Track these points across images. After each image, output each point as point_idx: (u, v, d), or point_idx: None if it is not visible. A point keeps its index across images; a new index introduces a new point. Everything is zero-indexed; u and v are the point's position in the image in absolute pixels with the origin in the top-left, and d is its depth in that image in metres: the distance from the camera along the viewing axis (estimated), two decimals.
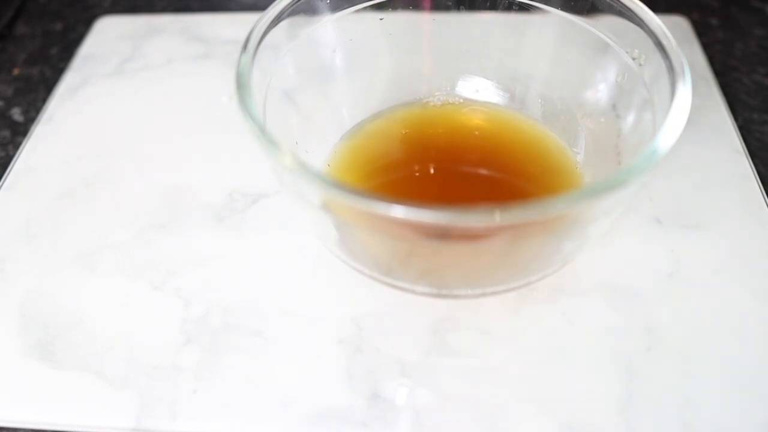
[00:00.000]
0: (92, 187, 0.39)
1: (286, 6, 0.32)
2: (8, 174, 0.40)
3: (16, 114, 0.45)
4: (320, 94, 0.36)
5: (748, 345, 0.30)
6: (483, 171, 0.36)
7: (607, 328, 0.31)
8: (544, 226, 0.26)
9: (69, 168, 0.40)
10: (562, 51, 0.36)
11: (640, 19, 0.30)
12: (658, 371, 0.29)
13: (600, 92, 0.34)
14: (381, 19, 0.36)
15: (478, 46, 0.38)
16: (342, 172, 0.35)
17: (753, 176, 0.37)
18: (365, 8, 0.35)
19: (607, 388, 0.29)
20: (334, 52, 0.36)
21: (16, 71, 0.49)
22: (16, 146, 0.43)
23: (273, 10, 0.31)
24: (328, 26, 0.35)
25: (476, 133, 0.38)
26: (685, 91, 0.27)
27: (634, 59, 0.31)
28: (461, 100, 0.39)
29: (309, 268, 0.34)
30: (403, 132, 0.38)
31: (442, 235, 0.26)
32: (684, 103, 0.26)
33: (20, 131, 0.44)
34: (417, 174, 0.36)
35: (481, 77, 0.39)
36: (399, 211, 0.23)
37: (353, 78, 0.37)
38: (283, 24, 0.32)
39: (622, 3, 0.31)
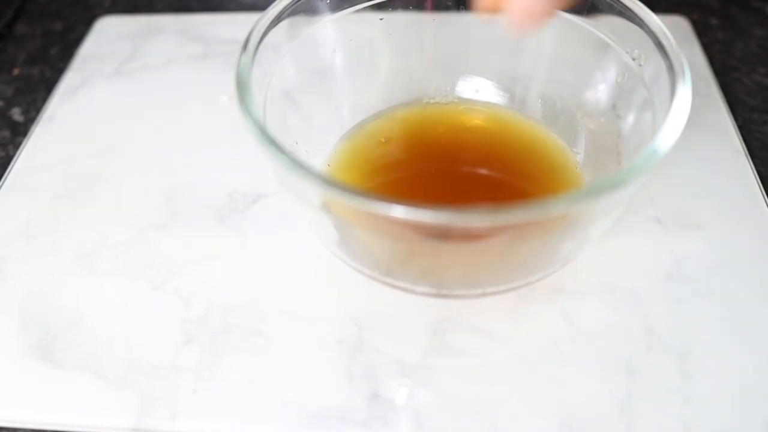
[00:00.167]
0: (92, 187, 0.39)
1: (286, 6, 0.32)
2: (8, 174, 0.40)
3: (16, 114, 0.45)
4: (320, 94, 0.36)
5: (747, 345, 0.30)
6: (483, 171, 0.36)
7: (607, 328, 0.31)
8: (544, 226, 0.26)
9: (69, 168, 0.40)
10: (562, 51, 0.36)
11: (640, 19, 0.30)
12: (658, 371, 0.29)
13: (600, 92, 0.34)
14: (381, 19, 0.36)
15: (478, 46, 0.38)
16: (342, 172, 0.35)
17: (753, 176, 0.37)
18: (365, 8, 0.35)
19: (607, 388, 0.29)
20: (334, 52, 0.36)
21: (16, 71, 0.49)
22: (16, 146, 0.43)
23: (273, 10, 0.31)
24: (328, 26, 0.35)
25: (476, 133, 0.38)
26: (685, 91, 0.27)
27: (634, 59, 0.31)
28: (461, 100, 0.39)
29: (309, 268, 0.34)
30: (403, 132, 0.38)
31: (442, 235, 0.26)
32: (684, 103, 0.26)
33: (20, 131, 0.44)
34: (417, 174, 0.36)
35: (481, 77, 0.39)
36: (399, 211, 0.23)
37: (353, 78, 0.37)
38: (283, 24, 0.32)
39: (622, 3, 0.31)
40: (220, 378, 0.30)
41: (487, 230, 0.25)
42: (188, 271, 0.34)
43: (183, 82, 0.45)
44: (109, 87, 0.45)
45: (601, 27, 0.33)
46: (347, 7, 0.34)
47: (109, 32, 0.50)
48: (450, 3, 0.37)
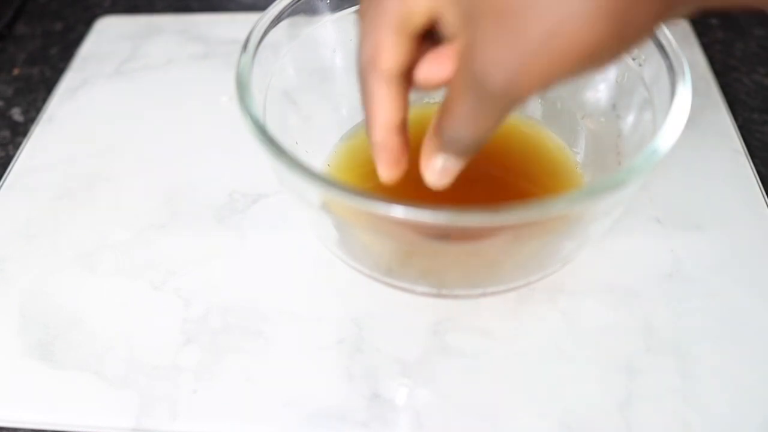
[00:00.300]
0: (92, 187, 0.39)
1: (286, 6, 0.32)
2: (8, 174, 0.40)
3: (16, 114, 0.45)
4: (320, 94, 0.36)
5: (747, 345, 0.30)
6: (483, 171, 0.36)
7: (607, 328, 0.31)
8: (544, 226, 0.25)
9: (69, 168, 0.40)
10: None
11: None
12: (658, 371, 0.29)
13: (600, 92, 0.34)
14: None
15: None
16: (342, 172, 0.35)
17: (753, 176, 0.37)
18: None
19: (607, 388, 0.29)
20: (334, 52, 0.36)
21: (16, 71, 0.49)
22: (16, 146, 0.43)
23: (273, 10, 0.31)
24: (328, 26, 0.35)
25: None
26: (685, 91, 0.27)
27: (634, 59, 0.31)
28: None
29: (309, 268, 0.34)
30: None
31: (442, 235, 0.26)
32: (684, 103, 0.26)
33: (20, 131, 0.44)
34: (417, 174, 0.36)
35: None
36: (399, 211, 0.23)
37: (353, 78, 0.37)
38: (283, 24, 0.32)
39: None
40: (220, 378, 0.30)
41: (487, 230, 0.25)
42: (188, 271, 0.34)
43: (183, 82, 0.45)
44: (109, 87, 0.45)
45: None
46: (347, 7, 0.34)
47: (109, 32, 0.50)
48: None
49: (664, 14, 0.19)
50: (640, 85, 0.31)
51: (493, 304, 0.32)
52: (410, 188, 0.36)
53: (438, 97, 0.39)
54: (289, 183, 0.28)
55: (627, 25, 0.18)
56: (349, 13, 0.35)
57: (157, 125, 0.42)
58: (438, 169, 0.24)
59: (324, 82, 0.37)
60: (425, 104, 0.39)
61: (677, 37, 0.29)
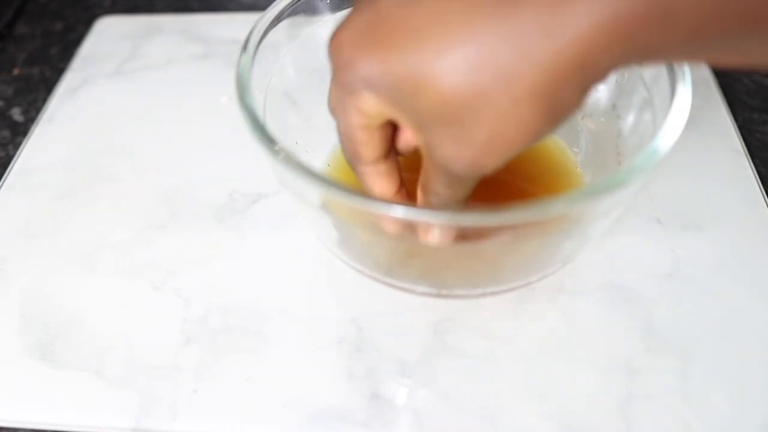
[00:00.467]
0: (92, 187, 0.39)
1: (286, 6, 0.32)
2: (8, 174, 0.40)
3: (16, 114, 0.45)
4: (320, 94, 0.36)
5: (747, 345, 0.30)
6: None
7: (607, 328, 0.31)
8: (544, 226, 0.26)
9: (69, 168, 0.40)
10: None
11: None
12: (658, 371, 0.29)
13: (600, 92, 0.34)
14: None
15: None
16: (342, 172, 0.35)
17: (753, 176, 0.37)
18: None
19: (607, 388, 0.29)
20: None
21: (16, 71, 0.49)
22: (16, 146, 0.43)
23: (273, 10, 0.31)
24: (328, 26, 0.35)
25: None
26: (685, 91, 0.27)
27: None
28: None
29: (309, 268, 0.34)
30: None
31: (441, 236, 0.26)
32: (684, 103, 0.26)
33: (20, 131, 0.44)
34: (417, 175, 0.36)
35: None
36: (399, 211, 0.23)
37: None
38: (283, 24, 0.32)
39: None
40: (220, 378, 0.30)
41: (487, 230, 0.25)
42: (188, 271, 0.34)
43: (183, 82, 0.45)
44: (109, 87, 0.45)
45: None
46: (347, 7, 0.34)
47: (109, 32, 0.50)
48: None
49: (589, 86, 0.21)
50: (640, 85, 0.31)
51: (493, 304, 0.32)
52: (410, 189, 0.35)
53: None
54: (289, 183, 0.28)
55: (557, 109, 0.21)
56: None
57: (157, 125, 0.42)
58: (437, 234, 0.26)
59: (324, 82, 0.36)
60: None
61: None
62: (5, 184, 0.39)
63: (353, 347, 0.31)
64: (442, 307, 0.32)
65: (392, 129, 0.25)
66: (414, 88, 0.21)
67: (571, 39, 0.19)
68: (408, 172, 0.27)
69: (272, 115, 0.31)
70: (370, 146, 0.25)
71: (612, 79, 0.33)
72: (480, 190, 0.34)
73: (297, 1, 0.32)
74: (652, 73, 0.30)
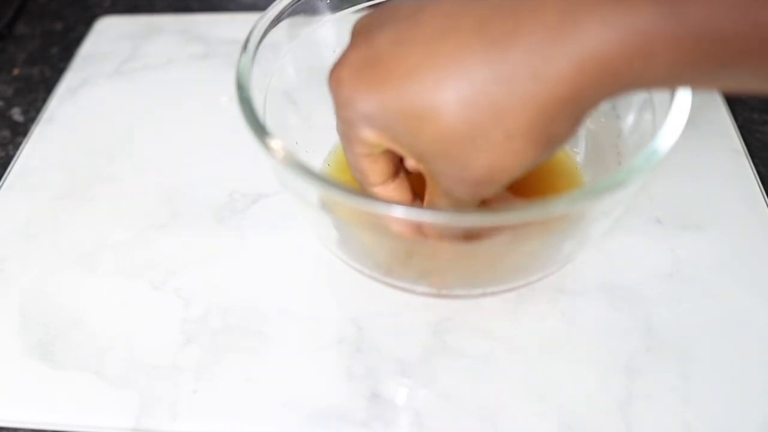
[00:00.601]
0: (92, 187, 0.39)
1: (286, 6, 0.32)
2: (8, 174, 0.40)
3: (16, 114, 0.45)
4: (320, 94, 0.36)
5: (747, 345, 0.30)
6: None
7: (607, 328, 0.31)
8: (544, 226, 0.26)
9: (69, 168, 0.40)
10: None
11: None
12: (658, 371, 0.29)
13: None
14: None
15: None
16: (342, 172, 0.35)
17: (753, 176, 0.37)
18: (365, 8, 0.35)
19: (607, 388, 0.29)
20: (334, 52, 0.36)
21: (16, 71, 0.49)
22: (16, 146, 0.43)
23: (273, 10, 0.31)
24: (328, 26, 0.35)
25: None
26: (685, 91, 0.27)
27: None
28: None
29: (309, 268, 0.34)
30: None
31: (443, 235, 0.26)
32: (684, 103, 0.26)
33: (20, 131, 0.44)
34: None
35: None
36: (399, 212, 0.23)
37: None
38: (283, 24, 0.32)
39: None
40: (220, 378, 0.30)
41: (487, 230, 0.25)
42: (188, 271, 0.34)
43: (183, 82, 0.45)
44: (109, 87, 0.45)
45: None
46: (347, 7, 0.34)
47: (109, 32, 0.50)
48: None
49: (581, 117, 0.22)
50: None
51: (493, 304, 0.32)
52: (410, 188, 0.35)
53: None
54: (289, 183, 0.28)
55: (550, 140, 0.22)
56: (349, 13, 0.35)
57: (157, 125, 0.42)
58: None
59: (324, 82, 0.36)
60: None
61: None
62: (5, 184, 0.39)
63: (353, 347, 0.31)
64: (442, 307, 0.32)
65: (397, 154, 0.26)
66: (412, 124, 0.22)
67: (560, 80, 0.20)
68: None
69: (272, 115, 0.31)
70: (375, 172, 0.26)
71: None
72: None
73: (297, 1, 0.32)
74: None
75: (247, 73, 0.28)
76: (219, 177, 0.39)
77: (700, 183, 0.37)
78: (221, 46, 0.48)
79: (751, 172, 0.37)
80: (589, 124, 0.35)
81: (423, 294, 0.31)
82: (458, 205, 0.24)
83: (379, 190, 0.27)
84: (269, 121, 0.29)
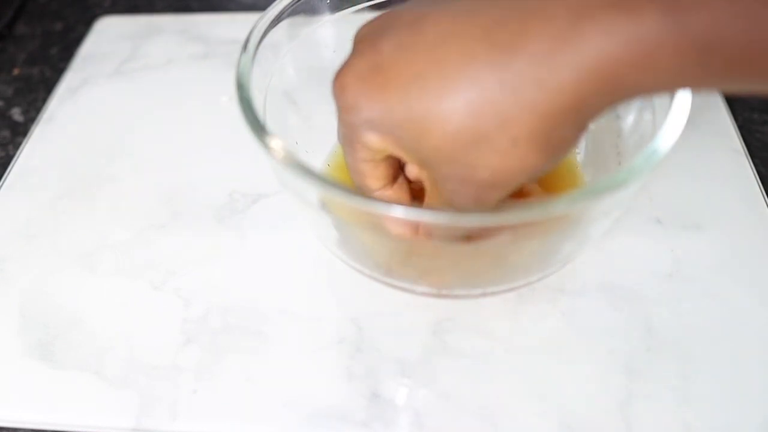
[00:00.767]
0: (92, 187, 0.39)
1: (286, 6, 0.32)
2: (8, 174, 0.40)
3: (16, 114, 0.45)
4: (320, 94, 0.36)
5: (747, 345, 0.30)
6: None
7: (607, 328, 0.31)
8: (544, 226, 0.26)
9: (69, 168, 0.40)
10: None
11: None
12: (658, 371, 0.29)
13: None
14: None
15: None
16: (342, 172, 0.35)
17: (753, 176, 0.37)
18: (365, 8, 0.35)
19: (607, 388, 0.29)
20: (334, 52, 0.36)
21: (16, 71, 0.49)
22: (16, 146, 0.43)
23: (273, 10, 0.31)
24: (328, 26, 0.35)
25: None
26: (685, 92, 0.27)
27: None
28: None
29: (309, 268, 0.34)
30: None
31: (444, 236, 0.26)
32: (684, 103, 0.26)
33: (20, 131, 0.44)
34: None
35: None
36: (399, 212, 0.23)
37: None
38: (283, 24, 0.32)
39: None
40: (220, 378, 0.30)
41: (487, 230, 0.25)
42: (188, 271, 0.34)
43: (183, 82, 0.45)
44: (109, 87, 0.45)
45: None
46: (347, 7, 0.34)
47: (109, 32, 0.50)
48: None
49: (585, 124, 0.22)
50: None
51: (493, 304, 0.32)
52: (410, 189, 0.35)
53: None
54: (289, 183, 0.28)
55: (555, 147, 0.22)
56: (349, 13, 0.35)
57: (157, 125, 0.42)
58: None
59: (324, 82, 0.36)
60: None
61: None
62: (5, 184, 0.39)
63: (353, 347, 0.31)
64: (442, 307, 0.32)
65: (398, 159, 0.26)
66: (417, 130, 0.22)
67: (564, 88, 0.20)
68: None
69: (272, 115, 0.31)
70: (375, 177, 0.26)
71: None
72: None
73: (297, 1, 0.32)
74: None
75: (247, 73, 0.28)
76: (219, 177, 0.39)
77: (700, 183, 0.37)
78: (221, 46, 0.48)
79: (751, 172, 0.37)
80: (590, 124, 0.35)
81: (423, 294, 0.31)
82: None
83: (379, 195, 0.27)
84: (269, 121, 0.29)
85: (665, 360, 0.30)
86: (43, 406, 0.30)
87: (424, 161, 0.23)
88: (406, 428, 0.28)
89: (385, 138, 0.23)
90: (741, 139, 0.39)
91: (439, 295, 0.31)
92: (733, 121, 0.40)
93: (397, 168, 0.27)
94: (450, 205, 0.24)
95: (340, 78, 0.24)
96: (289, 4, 0.32)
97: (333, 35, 0.35)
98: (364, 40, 0.24)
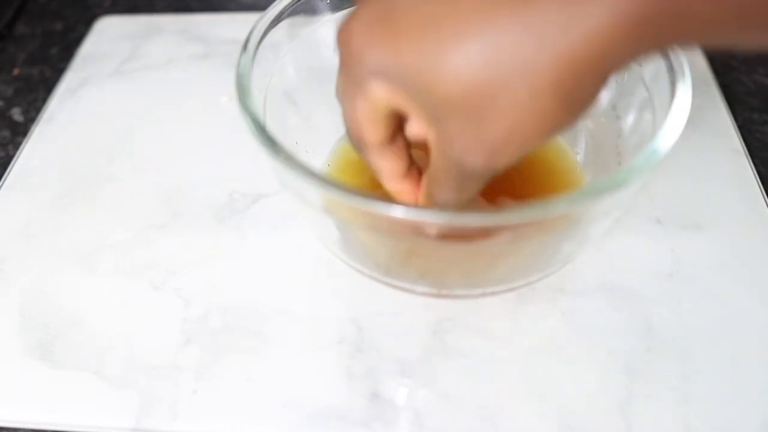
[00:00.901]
0: (92, 187, 0.39)
1: (286, 6, 0.32)
2: (8, 174, 0.40)
3: (16, 114, 0.45)
4: (320, 94, 0.36)
5: (747, 345, 0.30)
6: None
7: (607, 328, 0.31)
8: (544, 227, 0.26)
9: (69, 168, 0.40)
10: None
11: None
12: (658, 371, 0.29)
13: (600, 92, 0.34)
14: None
15: None
16: (342, 172, 0.35)
17: (753, 176, 0.37)
18: None
19: (607, 388, 0.29)
20: (334, 52, 0.36)
21: (16, 71, 0.49)
22: (16, 146, 0.43)
23: (273, 10, 0.31)
24: (328, 26, 0.35)
25: None
26: (685, 91, 0.27)
27: None
28: None
29: (309, 268, 0.34)
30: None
31: (443, 235, 0.26)
32: (684, 103, 0.26)
33: (20, 131, 0.44)
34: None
35: None
36: (399, 212, 0.23)
37: None
38: (283, 24, 0.32)
39: None
40: (220, 378, 0.30)
41: (487, 230, 0.25)
42: (188, 271, 0.34)
43: (183, 82, 0.45)
44: (109, 87, 0.45)
45: None
46: (347, 7, 0.34)
47: (109, 32, 0.50)
48: None
49: (608, 77, 0.21)
50: (640, 85, 0.31)
51: (493, 304, 0.32)
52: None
53: None
54: (290, 183, 0.28)
55: (576, 101, 0.20)
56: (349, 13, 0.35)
57: (157, 125, 0.42)
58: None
59: (324, 82, 0.36)
60: None
61: None
62: (5, 184, 0.39)
63: (353, 347, 0.31)
64: (442, 307, 0.32)
65: (399, 118, 0.24)
66: (429, 78, 0.20)
67: (592, 33, 0.18)
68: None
69: (272, 115, 0.31)
70: (374, 130, 0.24)
71: (612, 79, 0.33)
72: (480, 190, 0.34)
73: (297, 1, 0.32)
74: (652, 73, 0.30)
75: (247, 73, 0.28)
76: (219, 177, 0.39)
77: (700, 183, 0.37)
78: (221, 46, 0.48)
79: (751, 172, 0.37)
80: (589, 124, 0.35)
81: (423, 294, 0.31)
82: (461, 185, 0.23)
83: (376, 152, 0.25)
84: (269, 121, 0.29)
85: (665, 360, 0.30)
86: (43, 406, 0.30)
87: (433, 115, 0.21)
88: (406, 428, 0.28)
89: (393, 88, 0.22)
90: (741, 139, 0.39)
91: (439, 295, 0.31)
92: (733, 121, 0.40)
93: (398, 126, 0.25)
94: (453, 173, 0.23)
95: (346, 26, 0.22)
96: (289, 4, 0.32)
97: (333, 35, 0.35)
98: None
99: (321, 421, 0.29)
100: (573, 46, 0.19)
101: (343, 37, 0.22)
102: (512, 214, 0.23)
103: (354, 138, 0.25)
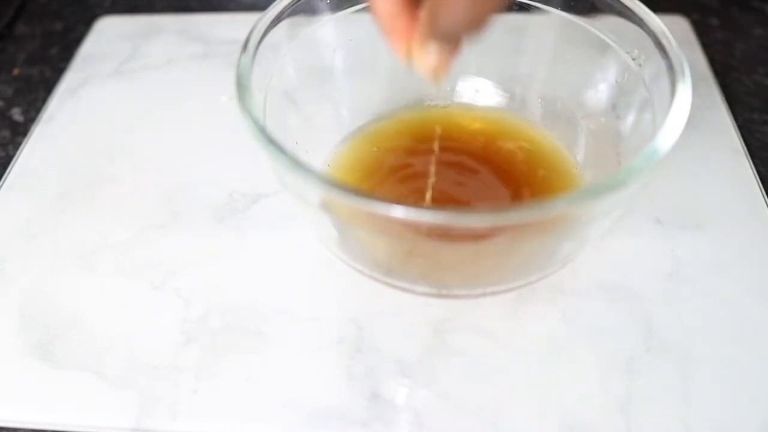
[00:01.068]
0: (92, 187, 0.39)
1: (286, 6, 0.32)
2: (8, 174, 0.40)
3: (16, 114, 0.45)
4: (320, 94, 0.36)
5: (747, 345, 0.30)
6: (483, 172, 0.36)
7: (607, 328, 0.31)
8: (544, 227, 0.26)
9: (69, 168, 0.40)
10: (562, 51, 0.36)
11: (640, 19, 0.30)
12: (658, 371, 0.29)
13: (600, 92, 0.34)
14: None
15: (478, 46, 0.38)
16: (342, 173, 0.35)
17: (753, 176, 0.37)
18: (365, 8, 0.35)
19: (607, 388, 0.29)
20: (334, 52, 0.36)
21: (16, 71, 0.49)
22: (16, 146, 0.43)
23: (273, 10, 0.31)
24: (328, 26, 0.35)
25: (476, 134, 0.38)
26: (685, 91, 0.27)
27: (634, 59, 0.31)
28: (461, 101, 0.39)
29: (309, 268, 0.34)
30: (403, 133, 0.38)
31: (442, 235, 0.26)
32: (684, 103, 0.26)
33: (20, 131, 0.44)
34: (417, 175, 0.36)
35: (481, 78, 0.39)
36: (399, 211, 0.23)
37: (353, 78, 0.37)
38: (283, 24, 0.32)
39: (622, 3, 0.31)
40: (220, 378, 0.30)
41: (487, 230, 0.25)
42: (188, 271, 0.34)
43: (183, 82, 0.45)
44: (109, 87, 0.45)
45: (601, 27, 0.33)
46: (347, 7, 0.34)
47: (109, 32, 0.50)
48: None
49: None
50: (640, 85, 0.31)
51: (493, 304, 0.32)
52: (410, 188, 0.36)
53: (438, 100, 0.39)
54: (289, 183, 0.28)
55: None
56: (349, 13, 0.35)
57: (157, 125, 0.42)
58: (433, 53, 0.24)
59: (324, 82, 0.37)
60: (425, 105, 0.39)
61: (677, 37, 0.29)
62: (5, 184, 0.39)
63: (353, 347, 0.31)
64: (442, 307, 0.32)
65: None
66: None
67: None
68: None
69: (272, 115, 0.31)
70: None
71: (612, 79, 0.33)
72: (480, 190, 0.34)
73: (297, 1, 0.32)
74: (652, 73, 0.30)
75: (247, 73, 0.28)
76: (219, 177, 0.39)
77: (700, 183, 0.37)
78: (221, 46, 0.48)
79: (751, 172, 0.37)
80: (589, 124, 0.35)
81: (423, 294, 0.31)
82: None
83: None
84: (269, 121, 0.29)
85: (665, 360, 0.30)
86: (43, 406, 0.30)
87: None
88: (406, 428, 0.28)
89: None
90: (741, 139, 0.39)
91: (439, 295, 0.31)
92: (733, 121, 0.40)
93: None
94: None
95: None
96: (289, 4, 0.32)
97: (333, 35, 0.35)
98: None
99: (321, 421, 0.29)
100: None
101: None
102: (512, 214, 0.23)
103: None
